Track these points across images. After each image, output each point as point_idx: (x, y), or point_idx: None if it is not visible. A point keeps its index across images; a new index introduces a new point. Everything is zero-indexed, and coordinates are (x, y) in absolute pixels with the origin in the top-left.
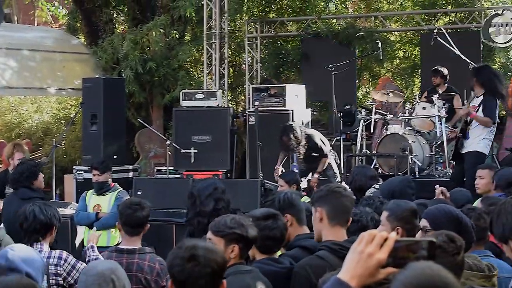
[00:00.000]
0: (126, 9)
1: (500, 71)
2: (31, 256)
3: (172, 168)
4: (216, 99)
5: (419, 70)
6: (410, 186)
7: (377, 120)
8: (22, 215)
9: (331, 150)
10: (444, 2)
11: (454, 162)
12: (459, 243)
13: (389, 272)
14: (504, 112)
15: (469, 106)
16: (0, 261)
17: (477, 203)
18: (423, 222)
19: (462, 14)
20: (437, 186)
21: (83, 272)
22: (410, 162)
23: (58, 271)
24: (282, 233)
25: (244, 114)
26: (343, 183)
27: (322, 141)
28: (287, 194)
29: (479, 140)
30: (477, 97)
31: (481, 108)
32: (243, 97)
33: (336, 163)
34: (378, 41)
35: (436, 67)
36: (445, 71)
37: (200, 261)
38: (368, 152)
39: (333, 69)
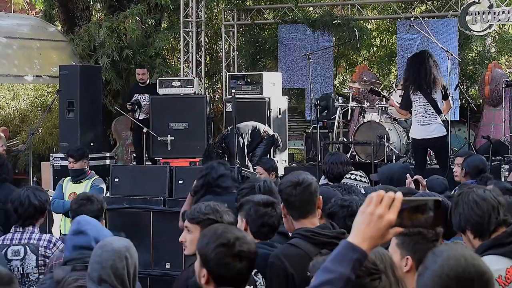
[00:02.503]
0: None
1: (477, 59)
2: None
3: (147, 156)
4: (192, 87)
5: (396, 58)
6: (409, 174)
7: (354, 107)
8: (17, 200)
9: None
10: None
11: None
12: (438, 230)
13: (397, 231)
14: (481, 100)
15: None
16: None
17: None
18: None
19: (438, 2)
20: (408, 175)
21: (99, 246)
22: (387, 149)
23: (47, 254)
24: (279, 221)
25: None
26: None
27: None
28: (266, 181)
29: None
30: None
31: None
32: (220, 85)
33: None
34: (355, 29)
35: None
36: None
37: (245, 256)
38: (345, 139)
39: (309, 57)
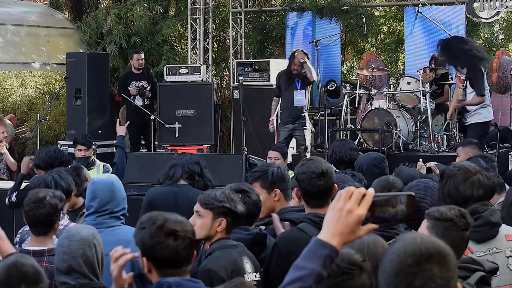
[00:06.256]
0: None
1: (485, 46)
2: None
3: (156, 142)
4: (200, 74)
5: (403, 45)
6: (377, 166)
7: (361, 94)
8: (43, 183)
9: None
10: None
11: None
12: (469, 220)
13: (370, 228)
14: (488, 87)
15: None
16: None
17: None
18: None
19: None
20: (420, 160)
21: (65, 236)
22: (395, 137)
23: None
24: (249, 209)
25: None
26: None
27: None
28: (280, 168)
29: (479, 109)
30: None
31: (468, 83)
32: (227, 72)
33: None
34: (362, 15)
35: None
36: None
37: (180, 235)
38: (352, 126)
39: (317, 44)
